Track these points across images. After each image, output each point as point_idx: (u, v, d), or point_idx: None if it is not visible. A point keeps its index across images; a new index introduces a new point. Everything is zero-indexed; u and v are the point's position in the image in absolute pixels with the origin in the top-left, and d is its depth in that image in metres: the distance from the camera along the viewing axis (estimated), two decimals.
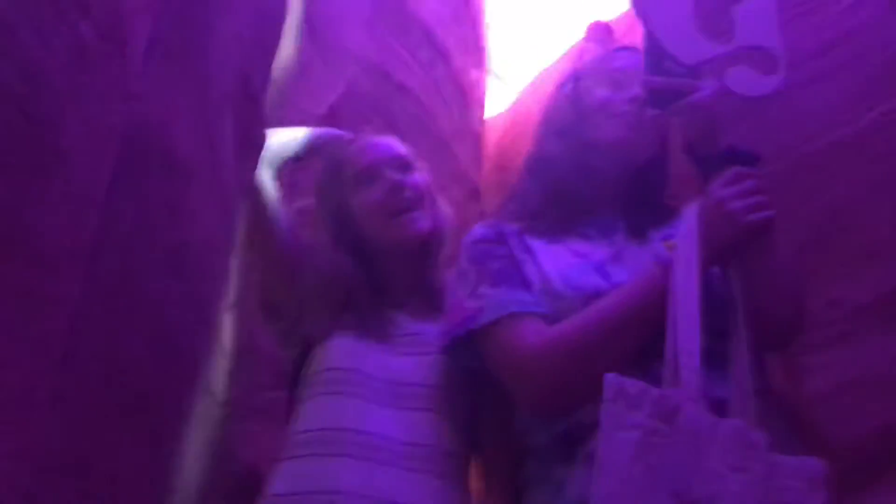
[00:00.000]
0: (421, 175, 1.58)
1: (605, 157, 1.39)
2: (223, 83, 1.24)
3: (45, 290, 0.71)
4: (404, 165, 1.58)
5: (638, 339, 1.19)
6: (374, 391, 1.38)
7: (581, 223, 1.38)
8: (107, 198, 0.84)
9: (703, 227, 1.18)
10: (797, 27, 1.86)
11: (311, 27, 2.24)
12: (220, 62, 1.22)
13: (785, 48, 1.19)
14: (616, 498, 0.99)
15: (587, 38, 3.14)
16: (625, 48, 1.55)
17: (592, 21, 3.29)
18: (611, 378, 1.04)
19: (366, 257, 1.54)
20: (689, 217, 1.19)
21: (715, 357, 1.18)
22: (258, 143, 1.46)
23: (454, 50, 2.84)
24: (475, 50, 3.07)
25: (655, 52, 1.24)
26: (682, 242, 1.18)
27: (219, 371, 1.27)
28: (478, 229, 1.42)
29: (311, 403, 1.38)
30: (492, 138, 3.38)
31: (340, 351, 1.41)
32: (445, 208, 1.61)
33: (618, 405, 1.02)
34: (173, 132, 1.01)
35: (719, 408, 1.14)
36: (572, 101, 1.44)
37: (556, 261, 1.31)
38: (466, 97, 2.89)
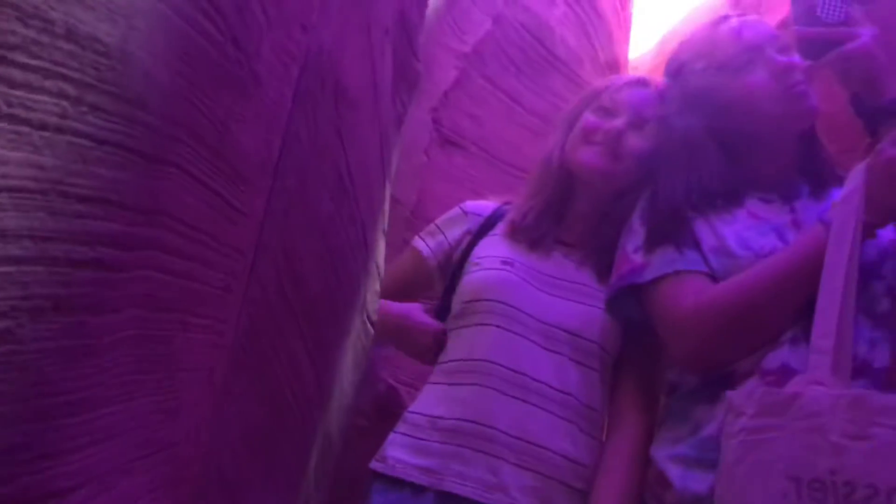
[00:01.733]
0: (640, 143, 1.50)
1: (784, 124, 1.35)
2: (383, 19, 1.29)
3: (242, 202, 0.79)
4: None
5: (797, 300, 1.18)
6: (528, 329, 1.41)
7: (762, 188, 1.36)
8: (287, 120, 0.91)
9: (870, 189, 1.14)
10: None
11: None
12: (381, 0, 1.27)
13: None
14: (725, 499, 1.05)
15: None
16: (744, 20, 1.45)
17: None
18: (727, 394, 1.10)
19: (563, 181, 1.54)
20: (855, 179, 1.15)
21: None
22: (412, 80, 1.51)
23: None
24: None
25: (805, 1, 1.19)
26: (841, 208, 1.14)
27: (371, 293, 1.35)
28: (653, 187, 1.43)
29: (463, 332, 1.44)
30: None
31: (494, 282, 1.45)
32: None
33: (728, 416, 1.08)
34: (343, 63, 1.07)
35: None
36: (726, 67, 1.39)
37: (734, 222, 1.31)
38: (612, 37, 2.84)
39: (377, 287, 1.39)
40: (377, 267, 1.37)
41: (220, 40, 0.66)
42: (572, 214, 1.55)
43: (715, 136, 1.37)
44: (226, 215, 0.76)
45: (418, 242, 1.62)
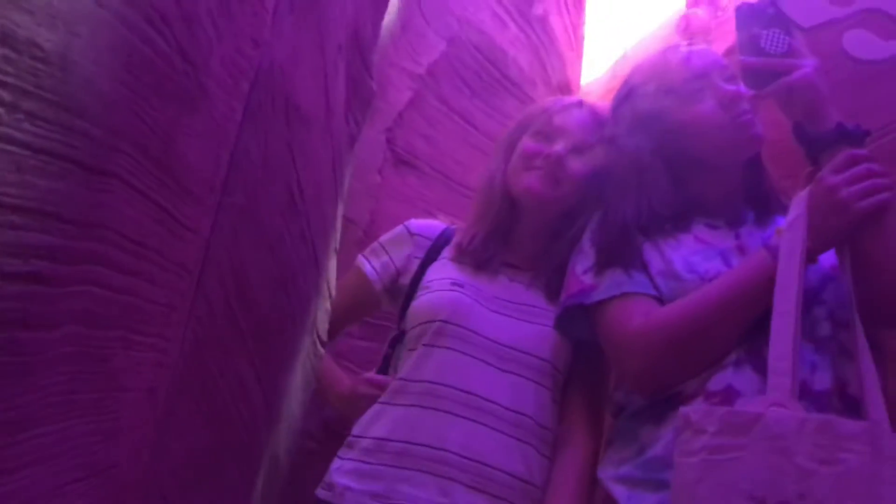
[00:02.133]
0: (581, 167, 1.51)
1: (726, 151, 1.38)
2: (337, 36, 1.29)
3: (187, 218, 0.77)
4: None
5: (741, 323, 1.20)
6: (480, 349, 1.40)
7: (709, 213, 1.39)
8: (237, 136, 0.90)
9: (812, 216, 1.16)
10: None
11: None
12: (336, 16, 1.27)
13: None
14: None
15: (690, 5, 3.08)
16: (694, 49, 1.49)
17: None
18: (680, 411, 1.08)
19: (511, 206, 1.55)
20: (798, 206, 1.17)
21: (840, 347, 1.19)
22: (365, 98, 1.50)
23: (553, 8, 2.83)
24: (575, 7, 3.05)
25: (750, 32, 1.22)
26: (788, 235, 1.16)
27: (322, 312, 1.33)
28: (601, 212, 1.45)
29: (416, 353, 1.42)
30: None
31: (444, 304, 1.44)
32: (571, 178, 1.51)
33: (685, 434, 1.06)
34: (295, 79, 1.06)
35: (843, 396, 1.15)
36: (674, 91, 1.41)
37: (680, 246, 1.33)
38: (564, 60, 2.87)
39: (328, 306, 1.37)
40: (328, 286, 1.35)
41: (166, 51, 0.64)
42: (518, 237, 1.55)
43: (664, 159, 1.39)
44: (171, 231, 0.74)
45: (363, 264, 1.59)
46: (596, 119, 1.54)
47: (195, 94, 0.73)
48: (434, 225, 1.63)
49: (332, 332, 1.53)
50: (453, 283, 1.45)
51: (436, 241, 1.57)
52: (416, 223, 1.63)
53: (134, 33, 0.58)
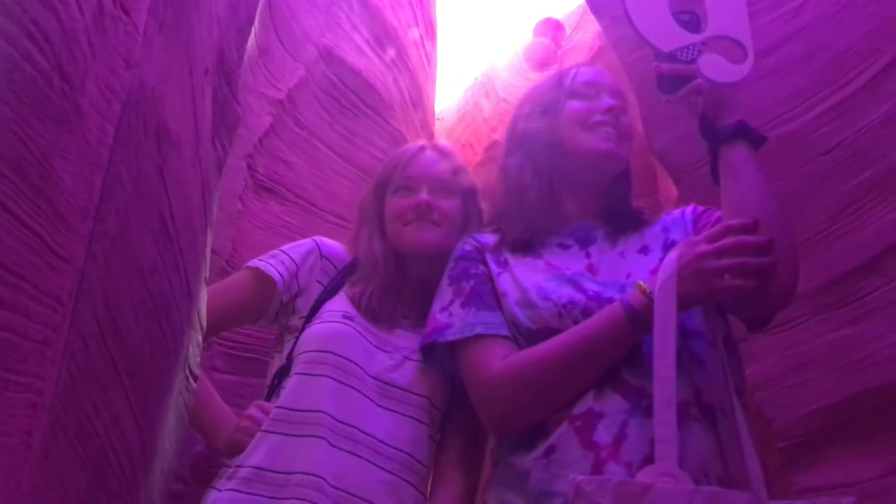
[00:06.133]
0: (450, 203, 1.61)
1: (588, 168, 1.44)
2: (204, 59, 1.25)
3: (61, 247, 0.72)
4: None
5: (595, 371, 1.24)
6: (361, 382, 1.40)
7: (561, 234, 1.43)
8: (109, 160, 0.85)
9: (678, 279, 1.18)
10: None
11: (272, 11, 2.24)
12: (202, 39, 1.23)
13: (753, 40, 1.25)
14: None
15: (537, 34, 3.22)
16: (582, 65, 1.57)
17: (541, 18, 3.37)
18: (571, 480, 1.07)
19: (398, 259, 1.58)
20: (668, 267, 1.19)
21: (691, 355, 1.25)
22: (231, 123, 1.46)
23: (406, 36, 2.88)
24: (427, 33, 3.11)
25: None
26: (660, 297, 1.17)
27: (194, 345, 1.27)
28: (460, 246, 1.48)
29: (296, 381, 1.40)
30: (440, 133, 3.44)
31: (332, 335, 1.42)
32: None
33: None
34: (165, 102, 1.02)
35: (700, 404, 1.21)
36: (549, 111, 1.47)
37: (534, 274, 1.37)
38: (420, 88, 2.92)
39: (199, 339, 1.31)
40: (199, 318, 1.30)
41: (46, 69, 0.60)
42: (409, 286, 1.58)
43: (544, 179, 1.44)
44: (47, 261, 0.69)
45: (267, 268, 1.54)
46: (443, 155, 1.60)
47: (71, 116, 0.69)
48: (342, 253, 1.62)
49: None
50: (344, 315, 1.45)
51: (341, 272, 1.57)
52: (328, 245, 1.62)
53: (15, 48, 0.54)
